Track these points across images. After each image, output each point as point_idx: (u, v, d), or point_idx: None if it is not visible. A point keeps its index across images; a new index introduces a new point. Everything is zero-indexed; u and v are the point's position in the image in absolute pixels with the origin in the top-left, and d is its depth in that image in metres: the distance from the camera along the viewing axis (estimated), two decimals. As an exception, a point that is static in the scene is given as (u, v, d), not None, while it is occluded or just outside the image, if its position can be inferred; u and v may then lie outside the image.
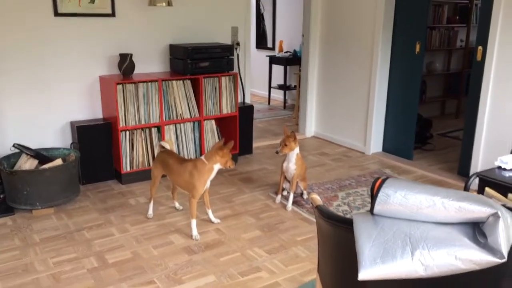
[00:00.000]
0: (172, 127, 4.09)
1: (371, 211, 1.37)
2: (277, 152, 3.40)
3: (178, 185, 3.13)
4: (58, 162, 3.46)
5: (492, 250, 1.20)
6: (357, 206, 3.54)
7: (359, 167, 4.43)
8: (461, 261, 1.22)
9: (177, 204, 3.45)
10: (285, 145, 3.38)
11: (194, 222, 3.03)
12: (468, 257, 1.21)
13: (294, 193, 3.60)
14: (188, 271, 2.63)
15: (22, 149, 3.45)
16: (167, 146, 3.25)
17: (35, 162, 3.47)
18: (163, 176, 3.24)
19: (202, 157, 3.02)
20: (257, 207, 3.51)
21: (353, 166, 4.47)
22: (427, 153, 4.89)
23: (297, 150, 3.45)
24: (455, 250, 1.22)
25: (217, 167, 2.98)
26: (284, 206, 3.51)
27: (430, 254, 1.23)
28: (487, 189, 2.25)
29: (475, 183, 2.60)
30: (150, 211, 3.32)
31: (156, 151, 3.99)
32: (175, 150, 4.10)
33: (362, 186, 3.92)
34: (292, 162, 3.46)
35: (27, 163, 3.44)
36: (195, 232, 3.03)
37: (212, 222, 3.23)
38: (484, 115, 3.77)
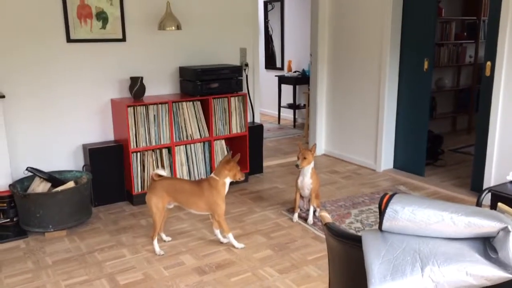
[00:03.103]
0: (182, 148, 4.12)
1: (380, 227, 1.37)
2: (297, 166, 3.43)
3: (196, 208, 3.06)
4: (71, 184, 3.49)
5: (503, 265, 1.18)
6: (370, 223, 3.51)
7: (370, 185, 4.40)
8: (472, 277, 1.20)
9: (164, 236, 3.28)
10: (304, 158, 3.41)
11: (231, 236, 3.13)
12: (479, 273, 1.20)
13: (306, 210, 3.60)
14: (199, 292, 2.62)
15: (35, 173, 3.50)
16: (164, 173, 3.10)
17: (48, 185, 3.52)
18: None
19: (212, 175, 3.08)
20: (268, 226, 3.49)
21: (364, 183, 4.45)
22: (439, 169, 4.85)
23: (312, 164, 3.47)
24: (465, 266, 1.21)
25: (228, 181, 3.08)
26: (299, 225, 3.49)
27: (441, 270, 1.21)
28: (499, 204, 2.21)
29: (488, 198, 2.57)
30: (158, 248, 3.09)
31: (168, 172, 4.02)
32: (176, 174, 4.13)
33: (375, 203, 3.89)
34: (308, 177, 3.48)
35: (40, 186, 3.49)
36: (237, 244, 3.13)
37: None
38: (495, 129, 3.74)
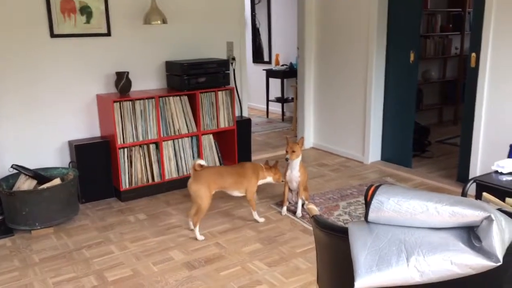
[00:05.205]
0: (170, 143, 4.10)
1: (366, 218, 1.37)
2: (287, 159, 3.47)
3: (239, 188, 3.33)
4: (57, 181, 3.46)
5: (487, 253, 1.19)
6: (358, 215, 3.53)
7: (358, 177, 4.43)
8: (456, 266, 1.21)
9: (191, 224, 3.32)
10: (293, 151, 3.44)
11: (256, 213, 3.46)
12: (463, 261, 1.21)
13: (295, 203, 3.62)
14: (188, 287, 2.61)
15: (20, 170, 3.46)
16: (205, 163, 3.25)
17: (34, 182, 3.48)
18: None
19: (263, 165, 3.48)
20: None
21: (352, 176, 4.47)
22: (426, 161, 4.89)
23: (300, 157, 3.49)
24: (450, 255, 1.22)
25: (269, 179, 3.49)
26: (287, 218, 3.51)
27: (426, 260, 1.22)
28: (484, 194, 2.24)
29: (473, 188, 2.59)
30: (199, 234, 3.19)
31: (156, 167, 4.00)
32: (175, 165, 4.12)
33: (363, 195, 3.91)
34: (296, 170, 3.50)
35: (25, 184, 3.44)
36: (259, 218, 3.46)
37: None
38: (481, 120, 3.78)
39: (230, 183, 3.30)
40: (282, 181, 3.53)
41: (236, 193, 3.40)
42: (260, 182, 3.45)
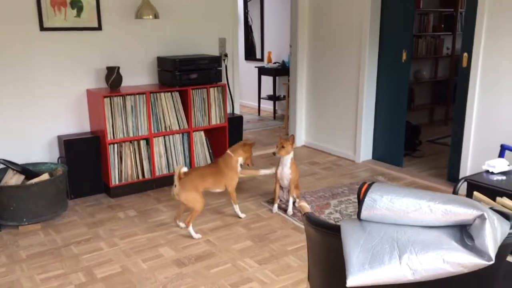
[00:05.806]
0: (161, 139, 4.06)
1: (358, 216, 1.36)
2: (274, 154, 3.47)
3: (220, 186, 3.35)
4: (45, 177, 3.41)
5: (479, 252, 1.19)
6: (349, 213, 3.53)
7: (349, 175, 4.43)
8: (449, 264, 1.21)
9: (181, 224, 3.31)
10: (283, 147, 3.40)
11: (237, 206, 3.47)
12: (456, 260, 1.20)
13: (286, 201, 3.61)
14: (178, 284, 2.59)
15: (8, 165, 3.40)
16: (186, 169, 3.20)
17: (22, 177, 3.43)
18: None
19: (228, 151, 3.41)
20: (248, 217, 3.48)
21: (344, 174, 4.47)
22: (417, 160, 4.91)
23: (291, 154, 3.47)
24: (442, 253, 1.21)
25: (240, 160, 3.40)
26: (278, 216, 3.50)
27: (418, 258, 1.22)
28: (475, 193, 2.25)
29: (464, 188, 2.60)
30: (194, 233, 3.18)
31: (146, 164, 3.97)
32: (166, 162, 4.09)
33: (354, 194, 3.91)
34: (287, 167, 3.48)
35: (13, 179, 3.39)
36: (241, 214, 3.48)
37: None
38: (472, 120, 3.80)
39: (210, 183, 3.31)
40: (249, 164, 3.49)
41: (218, 190, 3.41)
42: (238, 169, 3.41)
